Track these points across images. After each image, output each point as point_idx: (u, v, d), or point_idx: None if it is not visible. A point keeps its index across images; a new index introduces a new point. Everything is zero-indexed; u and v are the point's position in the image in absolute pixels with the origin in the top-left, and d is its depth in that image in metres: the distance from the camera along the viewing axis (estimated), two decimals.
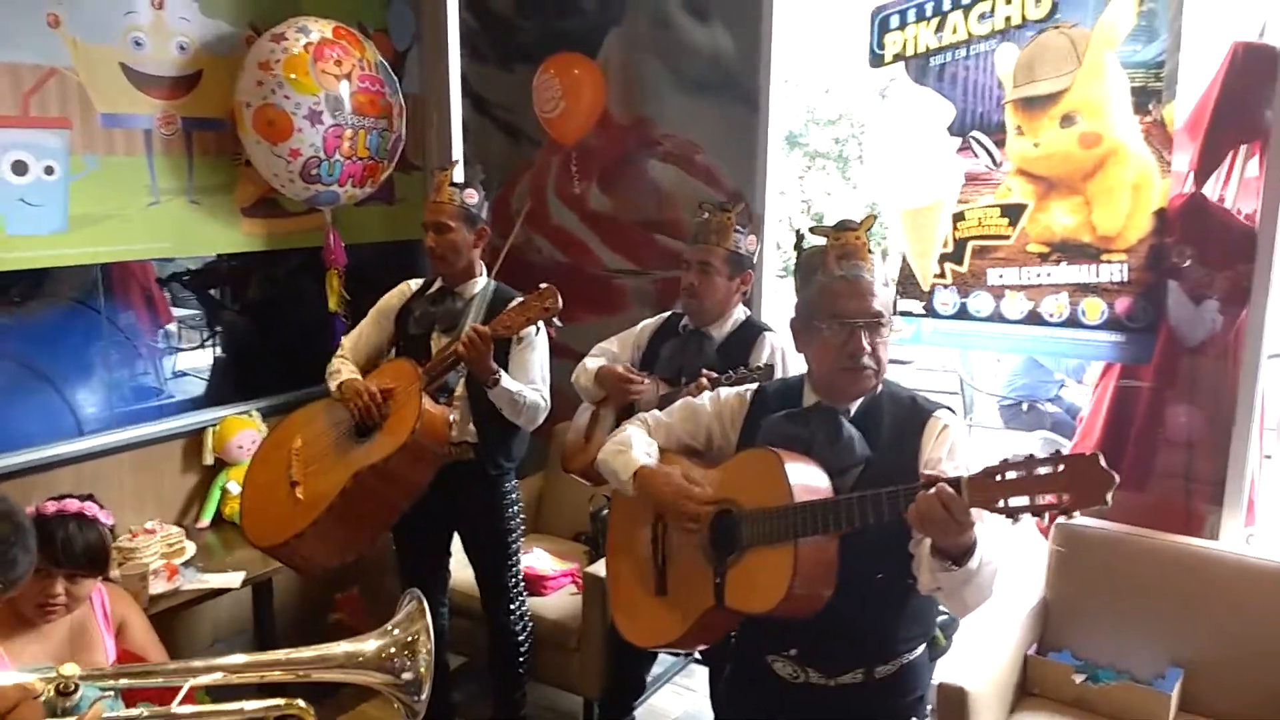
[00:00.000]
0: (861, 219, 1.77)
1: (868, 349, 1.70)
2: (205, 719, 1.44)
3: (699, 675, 3.36)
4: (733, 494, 1.77)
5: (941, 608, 1.81)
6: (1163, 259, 2.61)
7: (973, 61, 2.80)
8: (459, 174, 2.85)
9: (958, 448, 1.70)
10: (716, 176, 3.36)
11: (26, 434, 2.79)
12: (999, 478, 1.44)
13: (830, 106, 9.38)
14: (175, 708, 1.39)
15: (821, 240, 1.77)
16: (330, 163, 3.10)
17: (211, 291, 3.37)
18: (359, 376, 2.68)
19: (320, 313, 3.45)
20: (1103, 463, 1.36)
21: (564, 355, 2.86)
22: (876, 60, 2.98)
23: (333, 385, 2.68)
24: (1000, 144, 2.79)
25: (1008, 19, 2.72)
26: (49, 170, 2.76)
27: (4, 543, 1.51)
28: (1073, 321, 2.74)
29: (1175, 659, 2.48)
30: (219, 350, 3.38)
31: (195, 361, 3.31)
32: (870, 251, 1.74)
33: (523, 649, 2.90)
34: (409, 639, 1.48)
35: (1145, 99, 2.57)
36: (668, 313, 2.85)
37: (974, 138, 2.83)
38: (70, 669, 1.31)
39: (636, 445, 1.92)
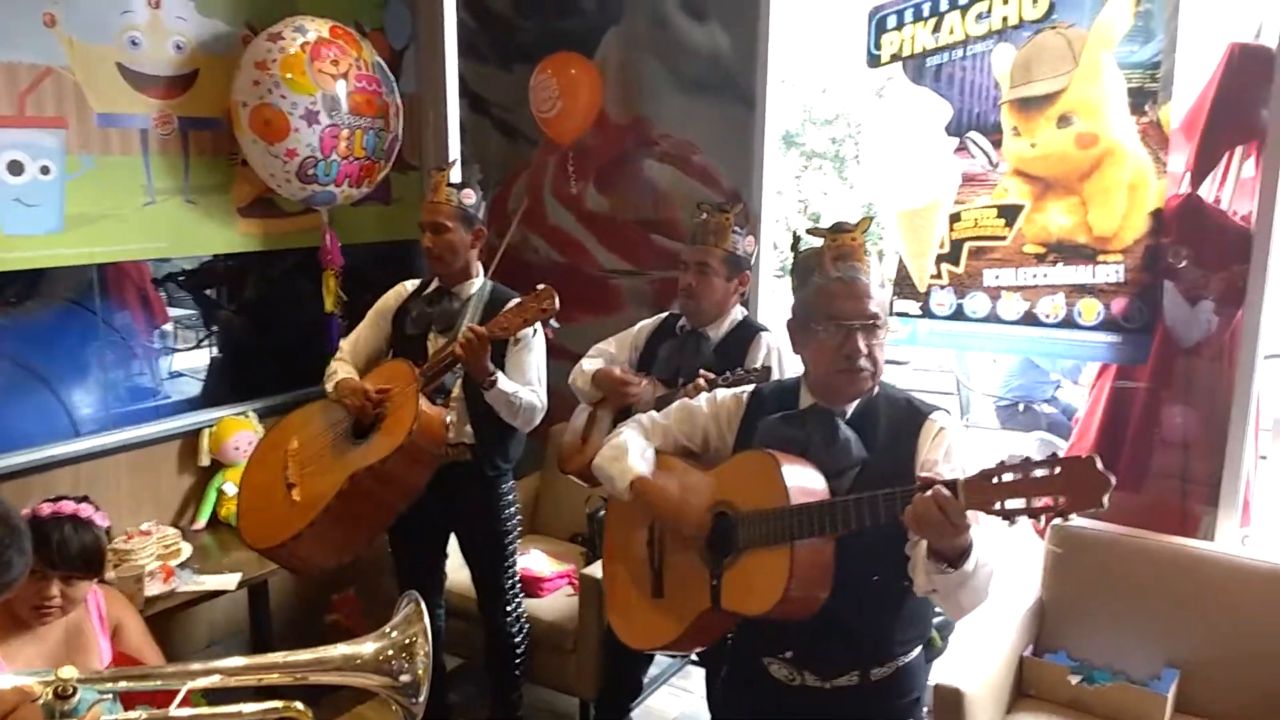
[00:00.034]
0: (858, 221, 1.77)
1: (864, 351, 1.70)
2: None
3: (696, 676, 3.36)
4: (729, 496, 1.77)
5: (937, 609, 1.81)
6: (1159, 260, 2.62)
7: (969, 62, 2.81)
8: (456, 174, 2.85)
9: (954, 450, 1.70)
10: (713, 176, 3.36)
11: (22, 435, 2.78)
12: (995, 480, 1.44)
13: (827, 106, 9.38)
14: (173, 711, 1.38)
15: (818, 242, 1.77)
16: (327, 162, 3.10)
17: (207, 292, 3.36)
18: (356, 376, 2.67)
19: (317, 313, 3.44)
20: (1099, 465, 1.36)
21: (561, 356, 2.86)
22: (873, 61, 2.99)
23: (329, 386, 2.67)
24: (997, 144, 2.79)
25: (1005, 19, 2.73)
26: (45, 170, 2.76)
27: None
28: (1069, 322, 2.74)
29: (1171, 660, 2.48)
30: (215, 351, 3.37)
31: (191, 362, 3.30)
32: (867, 253, 1.74)
33: (519, 650, 2.90)
34: (407, 641, 1.47)
35: (1142, 99, 2.58)
36: (665, 313, 2.85)
37: (971, 138, 2.83)
38: (69, 672, 1.31)
39: (633, 452, 1.92)
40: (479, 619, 2.92)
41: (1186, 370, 2.66)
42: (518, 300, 2.57)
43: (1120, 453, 2.76)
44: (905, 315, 3.01)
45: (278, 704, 1.43)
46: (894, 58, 2.94)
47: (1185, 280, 2.61)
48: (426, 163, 3.89)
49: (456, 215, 2.67)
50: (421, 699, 1.48)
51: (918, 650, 1.83)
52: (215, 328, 3.37)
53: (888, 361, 1.79)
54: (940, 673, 2.29)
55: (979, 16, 2.77)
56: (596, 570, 2.70)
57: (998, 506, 1.43)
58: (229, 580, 2.80)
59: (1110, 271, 2.67)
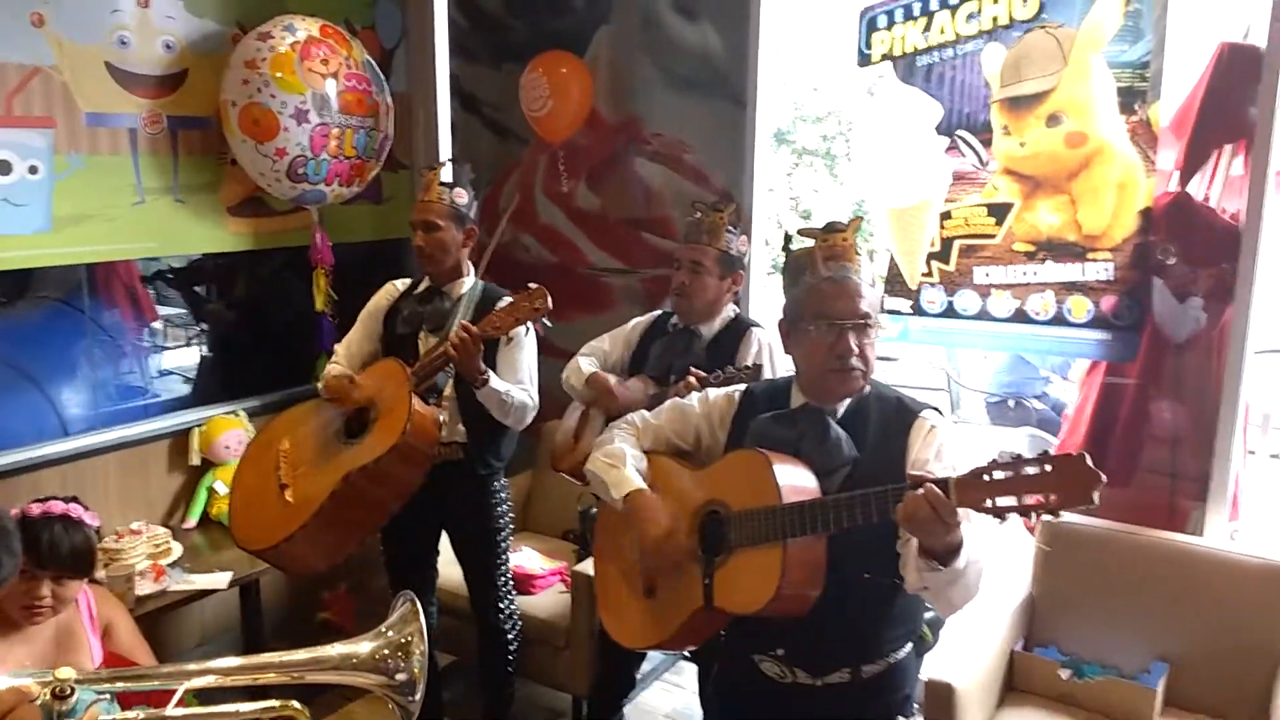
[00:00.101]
0: (849, 221, 1.78)
1: (855, 350, 1.71)
2: None
3: (688, 672, 3.37)
4: (721, 495, 1.78)
5: (928, 606, 1.82)
6: (1148, 257, 2.63)
7: (960, 61, 2.82)
8: (448, 173, 2.84)
9: (945, 448, 1.71)
10: (704, 175, 3.36)
11: (11, 434, 2.77)
12: (986, 478, 1.45)
13: (818, 104, 9.39)
14: (170, 710, 1.38)
15: (809, 242, 1.78)
16: (317, 161, 3.09)
17: (197, 291, 3.35)
18: None
19: (307, 312, 3.44)
20: (1089, 462, 1.37)
21: (552, 354, 2.86)
22: (864, 60, 2.99)
23: (320, 387, 2.67)
24: (987, 143, 2.80)
25: (995, 19, 2.74)
26: (33, 170, 2.74)
27: None
28: (1059, 319, 2.76)
29: (1160, 654, 2.50)
30: (205, 350, 3.37)
31: (181, 361, 3.30)
32: (858, 253, 1.75)
33: (511, 647, 2.90)
34: (403, 640, 1.47)
35: (1131, 99, 2.59)
36: (658, 311, 2.86)
37: (961, 137, 2.84)
38: (66, 672, 1.30)
39: (628, 461, 1.92)
40: (471, 616, 2.92)
41: (1176, 366, 2.67)
42: (510, 299, 2.57)
43: (1110, 448, 2.78)
44: (896, 313, 3.02)
45: (274, 703, 1.43)
46: (884, 57, 2.95)
47: (1174, 277, 2.63)
48: (417, 162, 3.89)
49: (448, 214, 2.66)
50: (418, 697, 1.48)
51: (909, 647, 1.84)
52: (205, 326, 3.36)
53: (879, 358, 1.80)
54: (931, 668, 2.30)
55: (969, 16, 2.78)
56: (588, 567, 2.71)
57: (989, 504, 1.44)
58: (220, 579, 2.80)
59: (1100, 269, 2.69)
